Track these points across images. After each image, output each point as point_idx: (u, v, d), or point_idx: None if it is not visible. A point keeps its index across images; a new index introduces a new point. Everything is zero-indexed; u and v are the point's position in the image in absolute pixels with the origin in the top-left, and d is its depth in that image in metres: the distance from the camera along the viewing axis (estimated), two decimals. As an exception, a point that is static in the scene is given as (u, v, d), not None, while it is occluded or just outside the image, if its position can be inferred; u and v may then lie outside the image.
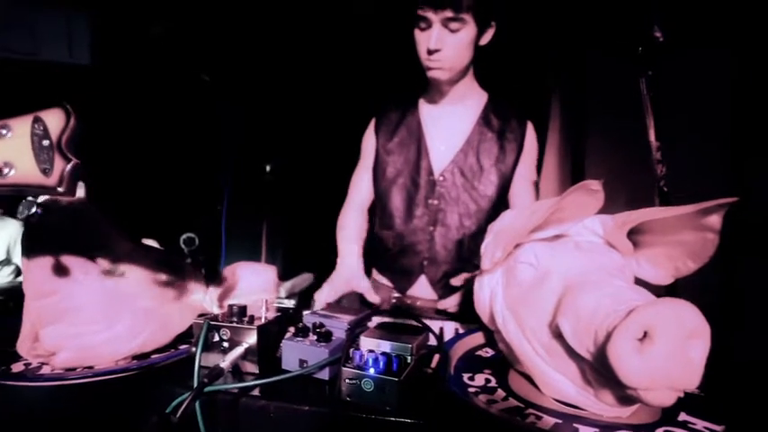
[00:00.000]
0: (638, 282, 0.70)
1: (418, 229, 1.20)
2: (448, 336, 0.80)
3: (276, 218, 2.20)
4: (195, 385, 0.55)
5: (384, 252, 1.25)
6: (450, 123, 1.20)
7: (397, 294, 1.24)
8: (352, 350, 0.59)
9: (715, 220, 0.58)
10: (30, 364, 0.64)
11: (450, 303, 1.03)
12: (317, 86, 2.10)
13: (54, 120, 0.49)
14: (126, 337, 0.64)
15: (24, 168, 0.48)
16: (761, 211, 1.45)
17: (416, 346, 0.61)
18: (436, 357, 0.63)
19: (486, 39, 1.11)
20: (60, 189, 0.49)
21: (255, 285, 0.94)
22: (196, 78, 1.70)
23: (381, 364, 0.56)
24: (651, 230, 0.68)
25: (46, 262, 0.59)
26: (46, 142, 0.49)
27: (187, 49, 1.76)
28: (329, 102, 2.06)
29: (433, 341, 0.72)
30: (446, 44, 1.04)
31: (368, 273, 1.31)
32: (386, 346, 0.60)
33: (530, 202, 1.22)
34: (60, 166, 0.49)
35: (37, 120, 0.49)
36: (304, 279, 1.80)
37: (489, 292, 0.72)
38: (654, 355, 0.43)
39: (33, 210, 0.51)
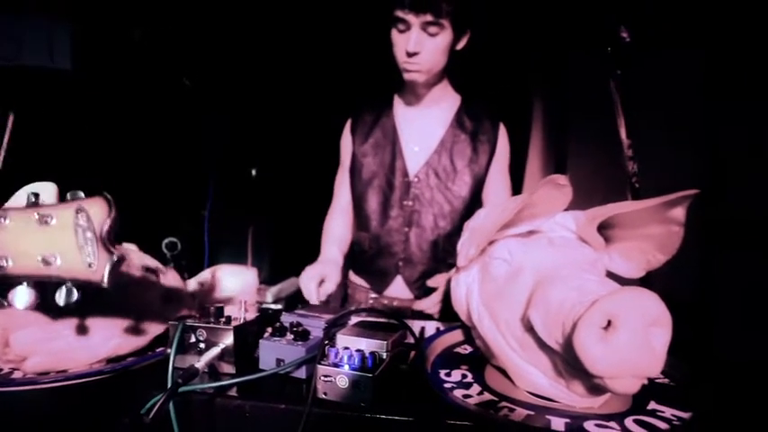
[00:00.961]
0: (612, 276, 0.72)
1: (393, 231, 1.21)
2: (429, 334, 0.80)
3: (262, 222, 2.19)
4: (169, 386, 0.55)
5: (361, 254, 1.27)
6: (424, 125, 1.22)
7: (373, 295, 1.24)
8: (327, 348, 0.59)
9: (679, 212, 0.60)
10: (1, 369, 0.63)
11: (427, 304, 1.03)
12: (299, 88, 2.11)
13: (97, 211, 0.49)
14: (100, 341, 0.64)
15: (69, 261, 0.48)
16: (738, 205, 1.49)
17: (392, 342, 0.62)
18: (412, 354, 0.63)
19: (461, 44, 1.13)
20: (105, 284, 0.48)
21: (235, 287, 0.94)
22: (178, 83, 1.69)
23: (356, 360, 0.57)
24: (621, 225, 0.70)
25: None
26: (89, 234, 0.48)
27: (168, 53, 1.75)
28: (311, 103, 2.07)
29: (410, 339, 0.73)
30: (424, 47, 1.06)
31: (345, 274, 1.32)
32: (361, 343, 0.61)
33: (503, 198, 1.24)
34: (104, 259, 0.48)
35: (80, 210, 0.49)
36: (291, 283, 1.80)
37: (465, 289, 0.73)
38: (617, 343, 0.44)
39: (75, 297, 0.49)
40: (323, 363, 0.57)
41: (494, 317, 0.64)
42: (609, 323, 0.45)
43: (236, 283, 0.94)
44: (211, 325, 0.65)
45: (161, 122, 1.75)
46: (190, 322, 0.65)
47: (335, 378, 0.56)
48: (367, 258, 1.25)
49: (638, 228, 0.67)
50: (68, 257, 0.48)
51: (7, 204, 0.59)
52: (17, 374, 0.62)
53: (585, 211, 0.69)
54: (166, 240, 1.34)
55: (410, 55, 1.06)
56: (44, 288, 0.50)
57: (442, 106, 1.22)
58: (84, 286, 0.49)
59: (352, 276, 1.32)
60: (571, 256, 0.64)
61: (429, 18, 1.02)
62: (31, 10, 1.97)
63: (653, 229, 0.64)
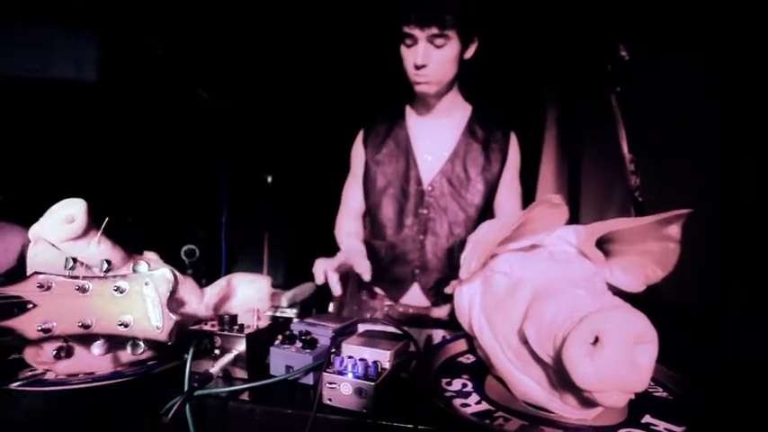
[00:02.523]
0: (614, 289, 0.73)
1: (409, 239, 1.24)
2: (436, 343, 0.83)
3: (278, 228, 2.25)
4: (186, 389, 0.59)
5: (376, 262, 1.29)
6: (437, 135, 1.25)
7: (389, 302, 1.27)
8: (333, 356, 0.62)
9: (674, 230, 0.61)
10: (35, 370, 0.69)
11: (443, 312, 1.06)
12: (315, 98, 2.16)
13: (164, 283, 0.60)
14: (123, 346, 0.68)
15: (142, 324, 0.60)
16: (754, 216, 1.46)
17: (395, 352, 0.65)
18: (414, 363, 0.66)
19: (470, 53, 1.16)
20: (169, 343, 0.60)
21: (250, 295, 0.98)
22: (193, 94, 1.76)
23: (360, 369, 0.60)
24: (621, 240, 0.71)
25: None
26: (156, 303, 0.60)
27: (186, 65, 1.82)
28: (327, 113, 2.12)
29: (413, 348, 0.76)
30: (432, 60, 1.09)
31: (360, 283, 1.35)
32: (365, 352, 0.64)
33: (513, 209, 1.26)
34: (169, 324, 0.60)
35: (147, 283, 0.60)
36: (306, 288, 1.84)
37: (468, 301, 0.75)
38: (603, 358, 0.46)
39: (143, 348, 0.61)
40: (328, 370, 0.61)
41: (493, 328, 0.66)
42: (597, 339, 0.47)
43: (250, 291, 0.98)
44: (225, 332, 0.69)
45: (179, 132, 1.83)
46: (206, 330, 0.69)
47: (340, 385, 0.59)
48: (383, 267, 1.28)
49: (636, 243, 0.68)
50: (140, 321, 0.60)
51: (41, 224, 0.65)
52: (50, 375, 0.67)
53: (586, 225, 0.71)
54: (185, 248, 1.41)
55: (418, 68, 1.10)
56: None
57: (453, 116, 1.25)
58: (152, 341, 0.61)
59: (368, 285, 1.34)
60: (570, 270, 0.66)
61: (435, 31, 1.06)
62: (59, 22, 2.07)
63: (651, 246, 0.66)
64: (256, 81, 2.01)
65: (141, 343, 0.60)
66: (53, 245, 0.65)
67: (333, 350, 0.66)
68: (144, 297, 0.59)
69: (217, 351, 0.69)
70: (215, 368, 0.63)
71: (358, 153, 1.33)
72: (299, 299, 1.83)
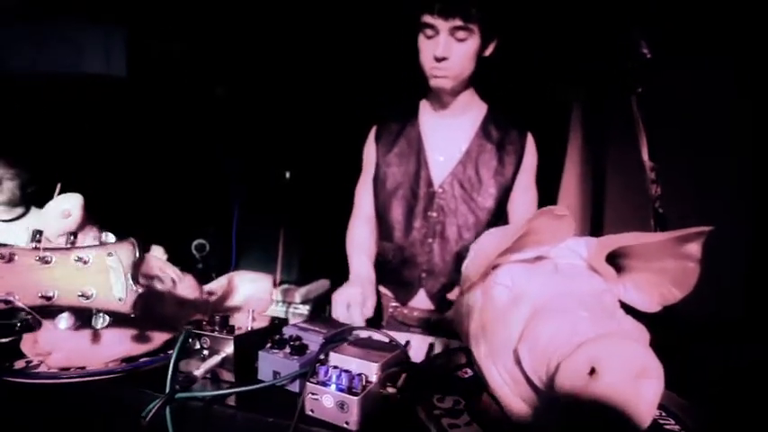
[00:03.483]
0: (627, 308, 0.68)
1: (417, 242, 1.20)
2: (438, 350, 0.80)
3: (294, 224, 2.25)
4: (167, 391, 0.58)
5: (385, 264, 1.26)
6: (449, 135, 1.20)
7: (394, 304, 1.24)
8: (318, 365, 0.60)
9: (694, 248, 0.55)
10: (31, 361, 0.70)
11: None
12: (334, 94, 2.14)
13: (125, 254, 0.59)
14: (112, 341, 0.68)
15: (104, 296, 0.59)
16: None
17: (383, 364, 0.62)
18: (403, 377, 0.63)
19: (489, 50, 1.11)
20: (132, 315, 0.60)
21: (252, 293, 0.97)
22: (211, 92, 1.78)
23: (344, 380, 0.57)
24: (636, 256, 0.66)
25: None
26: (120, 274, 0.59)
27: (204, 64, 1.84)
28: (346, 109, 2.10)
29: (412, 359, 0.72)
30: (453, 53, 1.05)
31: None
32: (352, 362, 0.61)
33: (528, 212, 1.20)
34: (132, 296, 0.59)
35: (111, 254, 0.59)
36: (320, 285, 1.84)
37: (467, 312, 0.71)
38: (598, 391, 0.42)
39: (106, 321, 0.60)
40: (312, 380, 0.58)
41: (489, 344, 0.62)
42: (593, 369, 0.43)
43: (252, 290, 0.98)
44: (214, 334, 0.68)
45: (196, 128, 1.85)
46: (195, 330, 0.68)
47: (322, 397, 0.57)
48: (391, 269, 1.25)
49: (652, 260, 0.63)
50: (103, 293, 0.59)
51: (37, 219, 0.66)
52: (42, 368, 0.68)
53: (598, 238, 0.66)
54: (195, 242, 1.42)
55: (438, 60, 1.05)
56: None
57: (468, 115, 1.20)
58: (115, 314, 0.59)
59: (379, 287, 1.31)
60: (575, 286, 0.61)
61: (458, 23, 1.01)
62: (90, 21, 2.14)
63: (668, 264, 0.60)
64: (275, 76, 2.01)
65: (105, 315, 0.59)
66: (47, 239, 0.65)
67: (319, 359, 0.63)
68: (107, 268, 0.58)
69: (206, 352, 0.68)
70: (199, 371, 0.62)
71: (369, 152, 1.30)
72: (313, 295, 1.82)
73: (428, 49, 1.07)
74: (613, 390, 0.41)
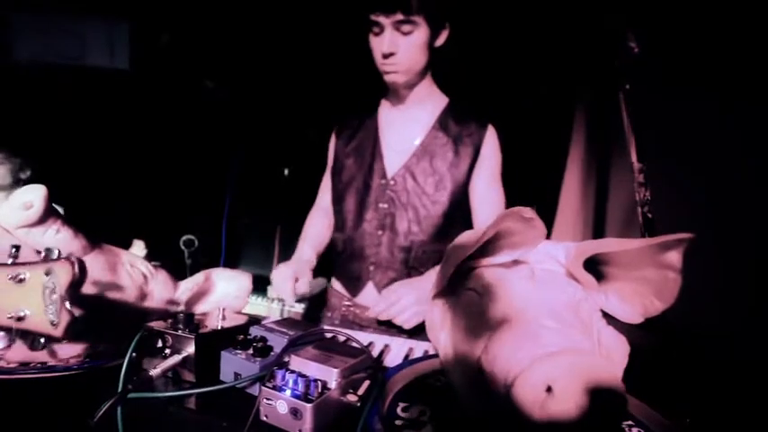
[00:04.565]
0: (609, 318, 0.64)
1: (367, 233, 1.19)
2: (417, 356, 0.77)
3: (292, 221, 2.24)
4: (119, 390, 0.56)
5: (336, 256, 1.27)
6: (405, 127, 1.19)
7: (347, 303, 1.22)
8: (275, 369, 0.58)
9: (674, 257, 0.52)
10: (-8, 356, 0.68)
11: (378, 309, 1.00)
12: (333, 90, 2.12)
13: (62, 274, 0.55)
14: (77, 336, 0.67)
15: (36, 317, 0.55)
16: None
17: (343, 370, 0.59)
18: (365, 384, 0.60)
19: (440, 40, 1.10)
20: (63, 341, 0.56)
21: (228, 291, 0.95)
22: (202, 84, 1.77)
23: (300, 386, 0.55)
24: (617, 263, 0.62)
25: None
26: (55, 296, 0.55)
27: (193, 56, 1.83)
28: (338, 107, 2.08)
29: (384, 363, 0.70)
30: (399, 47, 1.05)
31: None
32: (311, 367, 0.59)
33: (491, 216, 1.16)
34: (66, 319, 0.55)
35: (48, 272, 0.55)
36: (317, 283, 1.82)
37: (440, 316, 0.68)
38: (555, 410, 0.39)
39: (41, 345, 0.56)
40: (267, 385, 0.56)
41: (456, 351, 0.59)
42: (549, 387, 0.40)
43: (228, 288, 0.96)
44: (176, 332, 0.66)
45: (190, 123, 1.85)
46: (157, 327, 0.66)
47: (276, 402, 0.54)
48: (341, 261, 1.25)
49: (632, 269, 0.59)
50: (35, 314, 0.55)
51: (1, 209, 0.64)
52: (2, 363, 0.66)
53: (577, 243, 0.63)
54: (184, 237, 1.41)
55: (386, 56, 1.06)
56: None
57: (426, 107, 1.19)
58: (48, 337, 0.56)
59: (333, 281, 1.31)
60: (549, 294, 0.58)
61: (400, 17, 1.01)
62: (94, 12, 2.15)
63: (649, 273, 0.56)
64: (272, 71, 2.00)
65: (42, 339, 0.56)
66: (7, 230, 0.64)
67: (279, 362, 0.61)
68: (43, 288, 0.55)
69: (168, 351, 0.66)
70: (156, 370, 0.60)
71: (330, 146, 1.31)
72: (310, 293, 1.80)
73: (377, 45, 1.07)
74: (569, 410, 0.38)
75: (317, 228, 1.31)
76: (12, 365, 0.65)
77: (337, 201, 1.25)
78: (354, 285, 1.22)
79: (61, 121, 1.84)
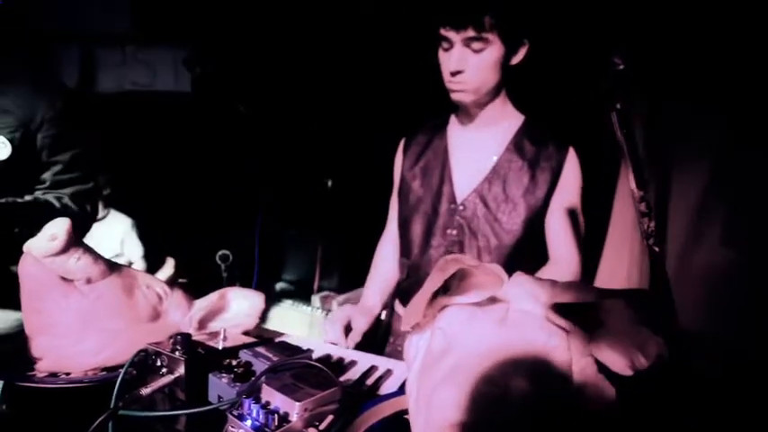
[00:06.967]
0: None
1: (433, 261, 1.13)
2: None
3: (334, 231, 2.30)
4: (111, 407, 0.63)
5: (402, 281, 1.22)
6: (477, 148, 1.12)
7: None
8: (243, 397, 0.61)
9: (631, 312, 0.46)
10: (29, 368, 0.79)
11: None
12: (378, 103, 2.15)
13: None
14: (91, 351, 0.76)
15: None
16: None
17: (308, 403, 0.60)
18: (329, 419, 0.61)
19: (518, 58, 1.03)
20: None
21: (241, 310, 1.01)
22: (233, 108, 1.89)
23: (261, 417, 0.57)
24: (602, 310, 0.57)
25: (34, 285, 0.73)
26: None
27: (229, 80, 1.96)
28: (385, 119, 2.10)
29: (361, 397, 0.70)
30: (468, 65, 1.00)
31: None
32: (276, 398, 0.61)
33: (569, 250, 1.08)
34: None
35: None
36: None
37: (414, 354, 0.67)
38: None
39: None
40: (233, 413, 0.59)
41: (418, 393, 0.58)
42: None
43: (242, 306, 1.01)
44: (168, 353, 0.71)
45: (228, 140, 1.97)
46: (155, 347, 0.73)
47: (238, 431, 0.57)
48: (407, 287, 1.20)
49: (611, 318, 0.54)
50: None
51: (32, 240, 0.74)
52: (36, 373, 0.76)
53: (552, 287, 0.59)
54: (220, 252, 1.51)
55: (453, 74, 1.01)
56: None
57: (499, 127, 1.12)
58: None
59: (397, 306, 1.27)
60: (515, 340, 0.55)
61: (471, 33, 0.96)
62: (162, 42, 2.39)
63: (622, 325, 0.51)
64: (317, 83, 2.07)
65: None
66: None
67: (250, 390, 0.64)
68: None
69: (164, 370, 0.72)
70: (147, 389, 0.66)
71: (397, 164, 1.27)
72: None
73: (445, 62, 1.03)
74: None
75: (388, 264, 1.26)
76: (42, 375, 0.75)
77: (403, 224, 1.21)
78: None
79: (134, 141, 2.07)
